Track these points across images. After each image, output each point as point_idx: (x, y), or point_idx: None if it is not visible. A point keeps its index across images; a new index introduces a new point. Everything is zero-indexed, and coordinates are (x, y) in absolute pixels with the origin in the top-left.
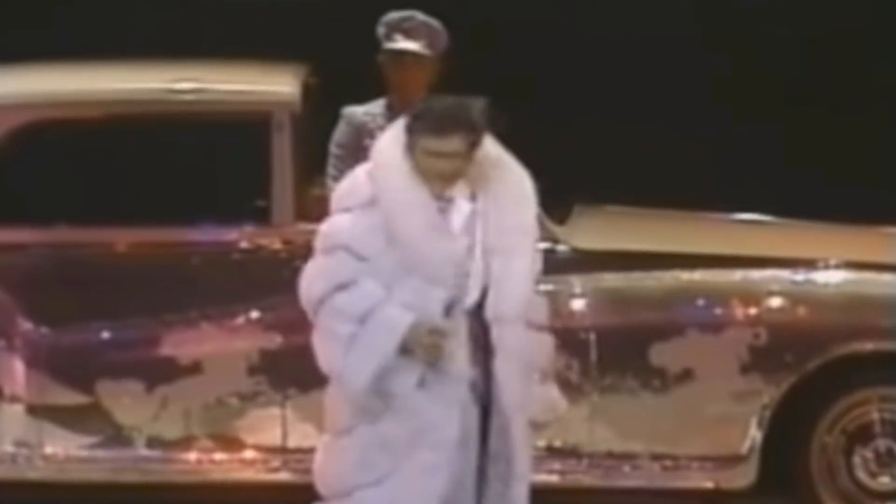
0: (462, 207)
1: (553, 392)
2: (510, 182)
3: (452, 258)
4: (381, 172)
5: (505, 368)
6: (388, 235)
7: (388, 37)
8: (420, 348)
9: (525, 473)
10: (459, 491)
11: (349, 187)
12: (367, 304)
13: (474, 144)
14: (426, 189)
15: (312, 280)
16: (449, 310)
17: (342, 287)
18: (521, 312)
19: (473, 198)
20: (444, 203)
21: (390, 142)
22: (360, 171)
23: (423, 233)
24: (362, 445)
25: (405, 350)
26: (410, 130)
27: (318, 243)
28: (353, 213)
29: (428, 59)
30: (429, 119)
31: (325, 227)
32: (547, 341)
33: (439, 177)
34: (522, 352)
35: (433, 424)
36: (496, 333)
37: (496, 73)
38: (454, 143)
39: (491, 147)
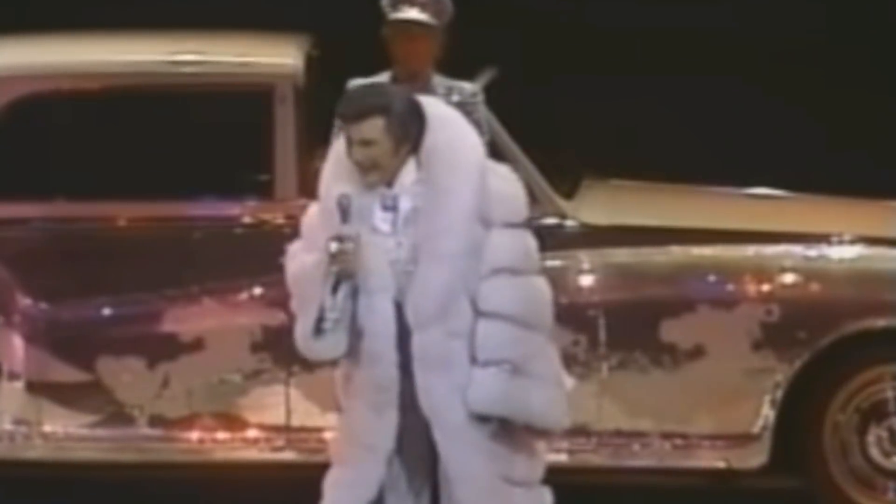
0: (404, 203)
1: (504, 383)
2: (450, 176)
3: (385, 259)
4: (327, 164)
5: (423, 373)
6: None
7: (394, 7)
8: (332, 263)
9: (471, 474)
10: (393, 495)
11: (325, 171)
12: (291, 269)
13: (393, 134)
14: (356, 182)
15: (287, 267)
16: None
17: (292, 257)
18: (437, 317)
19: (412, 192)
20: (388, 198)
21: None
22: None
23: (325, 220)
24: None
25: (328, 278)
26: (337, 115)
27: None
28: (318, 201)
29: (434, 30)
30: (346, 103)
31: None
32: (500, 330)
33: (358, 165)
34: (438, 351)
35: (367, 433)
36: (415, 338)
37: (506, 47)
38: (367, 129)
39: (441, 132)
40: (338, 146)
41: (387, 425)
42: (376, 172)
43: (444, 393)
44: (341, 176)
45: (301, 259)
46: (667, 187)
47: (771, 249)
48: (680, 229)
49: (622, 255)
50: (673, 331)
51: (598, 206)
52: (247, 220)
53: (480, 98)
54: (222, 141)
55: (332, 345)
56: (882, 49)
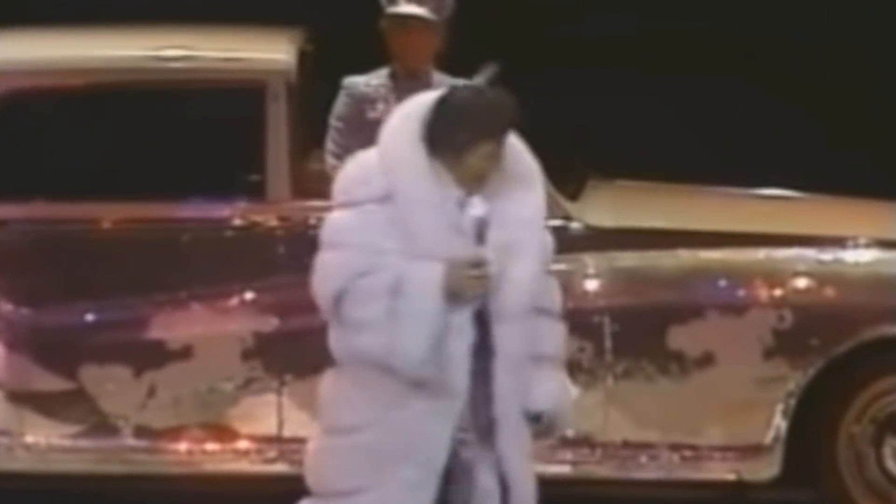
0: (477, 206)
1: (562, 381)
2: (519, 171)
3: (474, 262)
4: (396, 167)
5: (503, 370)
6: (405, 235)
7: (392, 1)
8: (468, 286)
9: (526, 479)
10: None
11: (359, 177)
12: (393, 273)
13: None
14: (442, 189)
15: (326, 278)
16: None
17: (362, 275)
18: (526, 310)
19: (485, 194)
20: (461, 203)
21: (403, 133)
22: (371, 161)
23: (441, 239)
24: (353, 450)
25: (452, 298)
26: (451, 132)
27: (326, 237)
28: (361, 208)
29: (434, 25)
30: (488, 120)
31: (333, 222)
32: (556, 328)
33: (480, 178)
34: (524, 351)
35: (423, 441)
36: (498, 333)
37: (505, 42)
38: (502, 146)
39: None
40: (399, 143)
41: (444, 437)
42: (483, 184)
43: (513, 393)
44: (418, 182)
45: (389, 263)
46: (674, 188)
47: (783, 253)
48: (688, 232)
49: (628, 258)
50: (681, 337)
51: (603, 207)
52: (237, 222)
53: None
54: (212, 140)
55: (435, 358)
56: (882, 48)
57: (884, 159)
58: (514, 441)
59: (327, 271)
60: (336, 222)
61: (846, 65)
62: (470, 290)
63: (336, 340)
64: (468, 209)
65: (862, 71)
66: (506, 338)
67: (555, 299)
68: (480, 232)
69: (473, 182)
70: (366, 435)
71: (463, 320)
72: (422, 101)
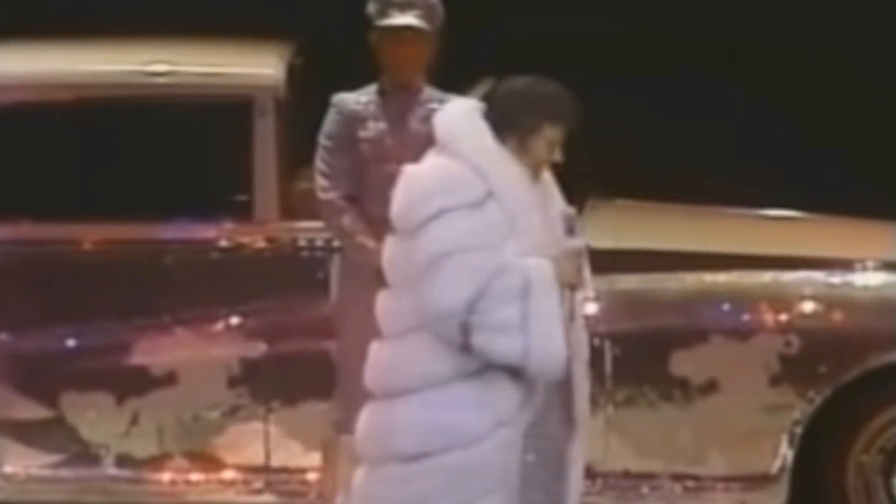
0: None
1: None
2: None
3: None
4: (492, 167)
5: (579, 373)
6: (515, 233)
7: (382, 12)
8: (574, 276)
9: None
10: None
11: (449, 182)
12: (521, 274)
13: None
14: (530, 179)
15: (456, 284)
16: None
17: (495, 276)
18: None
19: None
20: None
21: (479, 133)
22: (451, 166)
23: (544, 236)
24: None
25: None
26: (521, 119)
27: (440, 246)
28: (459, 212)
29: (427, 36)
30: (557, 103)
31: (446, 230)
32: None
33: (542, 167)
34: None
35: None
36: (573, 333)
37: (499, 52)
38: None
39: None
40: (490, 143)
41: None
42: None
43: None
44: (515, 179)
45: (512, 262)
46: (677, 208)
47: (790, 276)
48: (692, 254)
49: (629, 281)
50: (684, 364)
51: (603, 228)
52: (223, 243)
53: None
54: (197, 157)
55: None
56: (861, 49)
57: (864, 160)
58: (581, 446)
59: (457, 277)
60: (451, 229)
61: (824, 65)
62: (575, 279)
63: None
64: (549, 202)
65: (839, 70)
66: (579, 339)
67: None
68: (570, 225)
69: (536, 171)
70: (457, 456)
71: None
72: (467, 104)
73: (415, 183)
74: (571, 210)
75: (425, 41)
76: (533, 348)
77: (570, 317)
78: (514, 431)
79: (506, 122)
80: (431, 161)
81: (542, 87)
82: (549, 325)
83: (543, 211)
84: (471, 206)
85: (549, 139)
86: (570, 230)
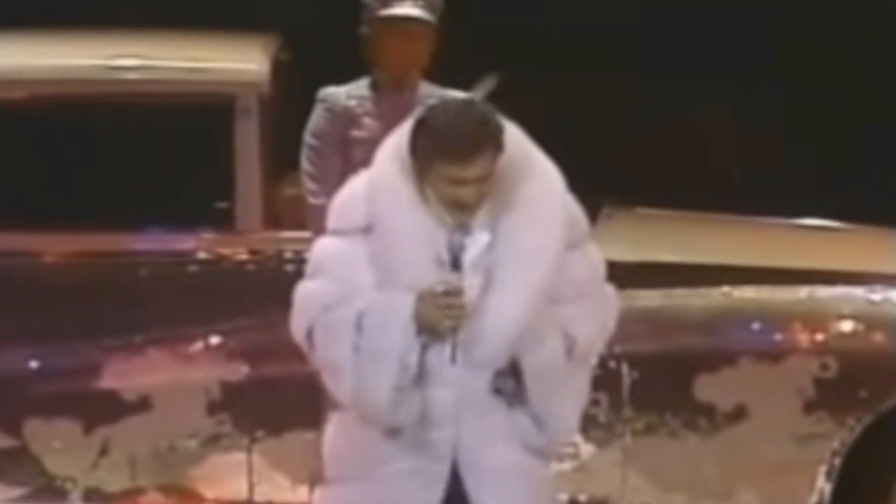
0: (478, 238)
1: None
2: (523, 195)
3: (446, 291)
4: (378, 195)
5: (470, 416)
6: (383, 269)
7: (383, 2)
8: (440, 318)
9: None
10: None
11: (344, 204)
12: (359, 306)
13: (496, 159)
14: (432, 218)
15: (296, 312)
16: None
17: (329, 308)
18: (501, 358)
19: (492, 221)
20: (458, 235)
21: (389, 155)
22: (359, 186)
23: (424, 273)
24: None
25: (426, 333)
26: (418, 153)
27: (307, 267)
28: (344, 237)
29: (431, 28)
30: (447, 141)
31: (314, 250)
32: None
33: (461, 207)
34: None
35: None
36: (465, 373)
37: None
38: (479, 166)
39: (515, 147)
40: (387, 167)
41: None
42: (471, 209)
43: (481, 440)
44: (399, 209)
45: (358, 295)
46: (702, 217)
47: (827, 292)
48: (718, 267)
49: (649, 297)
50: (710, 388)
51: (620, 239)
52: (202, 255)
53: None
54: (172, 161)
55: (409, 404)
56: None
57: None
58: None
59: (298, 304)
60: (316, 250)
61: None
62: (442, 321)
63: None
64: (457, 237)
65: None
66: (472, 380)
67: (586, 340)
68: (455, 258)
69: (456, 209)
70: (351, 488)
71: (444, 367)
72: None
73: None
74: (457, 242)
75: (428, 34)
76: (361, 390)
77: (451, 359)
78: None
79: (412, 157)
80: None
81: (438, 120)
82: (380, 364)
83: (443, 248)
84: (352, 233)
85: (445, 178)
86: (455, 263)
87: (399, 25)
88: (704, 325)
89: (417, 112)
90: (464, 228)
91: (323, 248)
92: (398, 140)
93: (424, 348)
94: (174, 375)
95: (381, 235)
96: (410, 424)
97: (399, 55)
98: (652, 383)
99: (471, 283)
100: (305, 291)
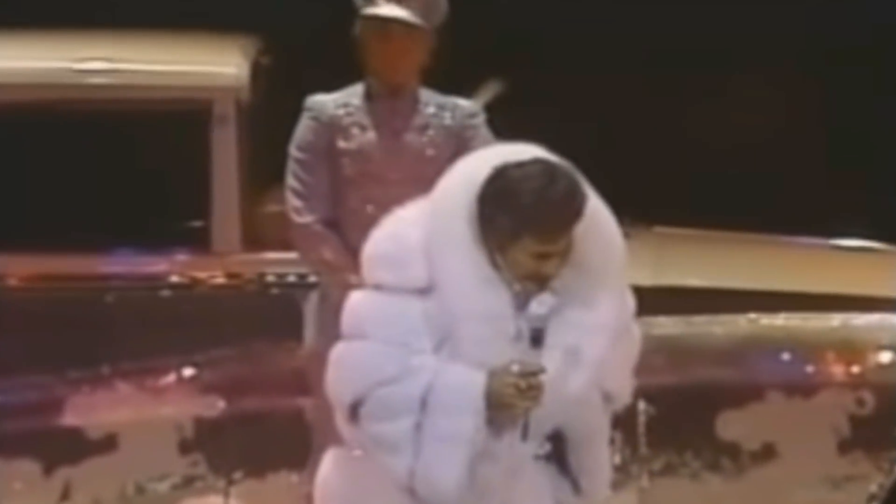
0: (541, 303)
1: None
2: (595, 261)
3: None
4: (442, 255)
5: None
6: (446, 338)
7: (369, 0)
8: (517, 399)
9: None
10: None
11: (395, 254)
12: (424, 381)
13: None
14: (504, 287)
15: (343, 378)
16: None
17: (387, 381)
18: (549, 429)
19: (559, 284)
20: (520, 300)
21: (457, 205)
22: (413, 237)
23: (497, 351)
24: None
25: (496, 413)
26: (497, 224)
27: (346, 324)
28: (396, 294)
29: (420, 32)
30: (538, 217)
31: (355, 306)
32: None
33: (539, 279)
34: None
35: None
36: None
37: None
38: (567, 238)
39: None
40: (452, 222)
41: None
42: (549, 281)
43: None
44: (469, 276)
45: (420, 366)
46: (726, 237)
47: (863, 320)
48: (744, 292)
49: (669, 324)
50: (735, 426)
51: (638, 261)
52: (175, 279)
53: (481, 119)
54: (143, 175)
55: (466, 482)
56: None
57: None
58: None
59: (345, 370)
60: (359, 307)
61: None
62: (518, 403)
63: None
64: (529, 307)
65: None
66: (523, 451)
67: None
68: (536, 335)
69: (534, 281)
70: None
71: (503, 442)
72: (487, 159)
73: (374, 238)
74: (540, 316)
75: (416, 38)
76: (424, 472)
77: (522, 437)
78: None
79: (486, 219)
80: (406, 213)
81: (530, 187)
82: (450, 447)
83: (511, 325)
84: (405, 291)
85: (529, 252)
86: (537, 340)
87: (382, 27)
88: (729, 355)
89: (484, 168)
90: (527, 297)
91: (370, 305)
92: (462, 191)
93: (489, 423)
94: (144, 411)
95: (445, 302)
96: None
97: (380, 60)
98: (671, 420)
99: (550, 356)
100: (353, 356)
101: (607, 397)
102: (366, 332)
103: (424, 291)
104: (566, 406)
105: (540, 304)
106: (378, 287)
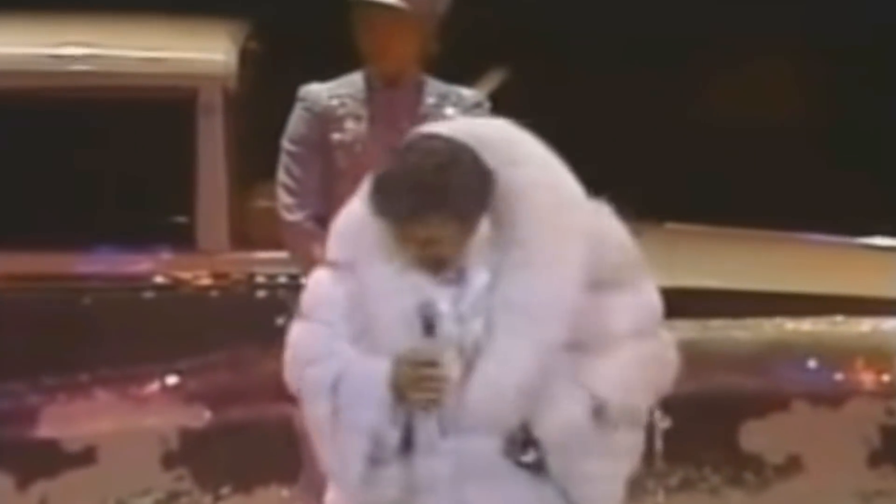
0: (475, 281)
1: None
2: (536, 238)
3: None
4: (363, 229)
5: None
6: (362, 322)
7: None
8: (413, 390)
9: None
10: None
11: (341, 230)
12: (335, 367)
13: (460, 218)
14: (408, 266)
15: (287, 359)
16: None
17: (311, 362)
18: (504, 425)
19: (496, 257)
20: (451, 277)
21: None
22: (359, 211)
23: (401, 337)
24: None
25: (405, 403)
26: (369, 204)
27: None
28: (335, 271)
29: (411, 18)
30: (387, 197)
31: (308, 284)
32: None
33: (432, 264)
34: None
35: None
36: (461, 446)
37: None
38: (424, 229)
39: (525, 169)
40: (357, 211)
41: None
42: (444, 266)
43: None
44: (378, 246)
45: (337, 350)
46: (747, 234)
47: (894, 324)
48: (766, 294)
49: (685, 329)
50: (758, 437)
51: (651, 261)
52: (158, 279)
53: (485, 110)
54: (124, 168)
55: (387, 480)
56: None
57: None
58: None
59: (287, 351)
60: (310, 282)
61: None
62: (414, 395)
63: None
64: (465, 286)
65: None
66: (476, 448)
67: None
68: (428, 323)
69: (423, 264)
70: None
71: (432, 435)
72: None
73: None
74: (429, 303)
75: (405, 24)
76: (333, 461)
77: (440, 432)
78: None
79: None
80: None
81: (385, 169)
82: (351, 437)
83: (416, 305)
84: (336, 265)
85: (404, 235)
86: (429, 329)
87: (366, 12)
88: (751, 362)
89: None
90: (451, 277)
91: (316, 283)
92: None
93: (412, 416)
94: (125, 422)
95: (360, 280)
96: (389, 501)
97: (371, 46)
98: (688, 431)
99: (464, 345)
100: (294, 336)
101: (600, 407)
102: (308, 312)
103: (352, 268)
104: (507, 400)
105: (435, 290)
106: (327, 264)
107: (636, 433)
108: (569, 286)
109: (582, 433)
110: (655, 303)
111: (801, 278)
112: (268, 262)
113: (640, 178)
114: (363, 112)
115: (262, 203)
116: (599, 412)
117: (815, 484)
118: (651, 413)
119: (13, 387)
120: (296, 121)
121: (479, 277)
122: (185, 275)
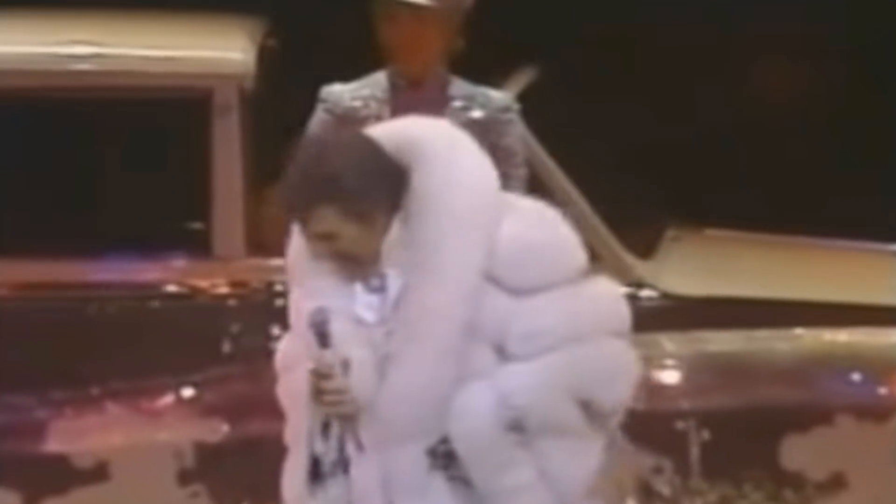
0: (393, 287)
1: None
2: (438, 231)
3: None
4: (296, 252)
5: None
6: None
7: None
8: (319, 404)
9: None
10: None
11: (294, 243)
12: (289, 377)
13: (356, 214)
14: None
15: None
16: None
17: (287, 370)
18: (413, 434)
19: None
20: (376, 284)
21: None
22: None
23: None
24: None
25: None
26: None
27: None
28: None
29: (434, 15)
30: (286, 192)
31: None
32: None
33: (343, 271)
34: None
35: None
36: (379, 460)
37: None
38: (318, 223)
39: (429, 172)
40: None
41: None
42: (353, 264)
43: None
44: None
45: (288, 372)
46: (787, 241)
47: None
48: (808, 304)
49: (723, 340)
50: (799, 453)
51: (688, 268)
52: (172, 287)
53: (515, 112)
54: (137, 171)
55: (332, 497)
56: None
57: None
58: None
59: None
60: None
61: None
62: (323, 407)
63: None
64: (385, 290)
65: None
66: (398, 458)
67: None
68: (321, 331)
69: (346, 264)
70: None
71: (356, 448)
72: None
73: None
74: (320, 310)
75: (428, 21)
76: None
77: (356, 446)
78: None
79: None
80: None
81: (300, 159)
82: (293, 448)
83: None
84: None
85: (303, 233)
86: (323, 339)
87: (389, 10)
88: (793, 374)
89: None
90: (373, 281)
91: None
92: None
93: (341, 429)
94: (138, 436)
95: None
96: None
97: (393, 44)
98: (727, 447)
99: (389, 331)
100: (280, 344)
101: (517, 416)
102: (291, 321)
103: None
104: (416, 408)
105: (363, 299)
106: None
107: (572, 440)
108: (466, 290)
109: (496, 444)
110: (601, 306)
111: (844, 287)
112: (285, 269)
113: (679, 179)
114: (386, 113)
115: (279, 208)
116: (519, 421)
117: (859, 501)
118: (686, 427)
119: (21, 399)
120: (315, 123)
121: (396, 282)
122: (201, 283)
